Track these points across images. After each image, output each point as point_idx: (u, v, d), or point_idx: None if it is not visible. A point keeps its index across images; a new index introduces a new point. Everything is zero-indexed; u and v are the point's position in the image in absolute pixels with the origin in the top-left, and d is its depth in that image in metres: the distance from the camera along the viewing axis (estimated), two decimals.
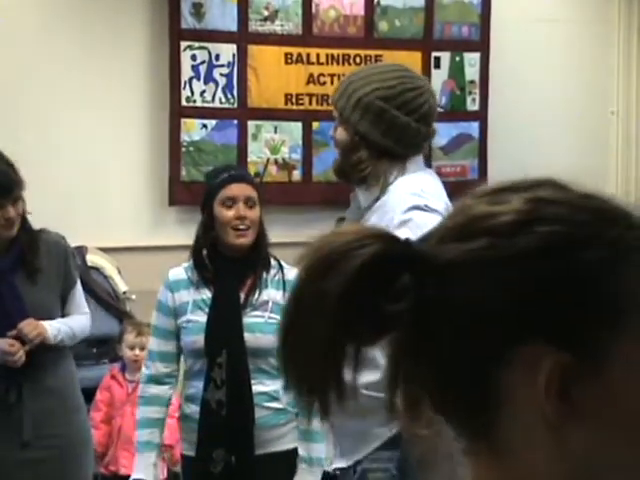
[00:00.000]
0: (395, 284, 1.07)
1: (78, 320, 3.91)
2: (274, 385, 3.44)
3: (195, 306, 3.46)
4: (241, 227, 3.43)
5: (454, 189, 2.95)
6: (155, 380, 3.55)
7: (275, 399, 3.46)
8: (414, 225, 2.76)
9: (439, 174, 3.09)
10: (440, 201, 2.88)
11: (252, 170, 6.20)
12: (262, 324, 3.41)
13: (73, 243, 6.12)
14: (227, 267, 3.47)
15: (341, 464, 2.99)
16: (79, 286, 4.14)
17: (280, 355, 1.08)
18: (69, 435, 3.84)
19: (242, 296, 3.44)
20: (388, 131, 2.94)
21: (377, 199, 2.94)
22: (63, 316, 3.88)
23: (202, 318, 3.43)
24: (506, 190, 1.16)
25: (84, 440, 3.98)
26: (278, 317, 3.41)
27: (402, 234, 2.87)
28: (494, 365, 1.06)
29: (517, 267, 1.07)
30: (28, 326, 3.65)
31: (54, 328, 3.76)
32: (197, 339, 3.42)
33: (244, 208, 3.43)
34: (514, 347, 1.05)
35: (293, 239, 5.17)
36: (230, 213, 3.43)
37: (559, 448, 1.07)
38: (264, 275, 3.47)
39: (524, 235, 1.08)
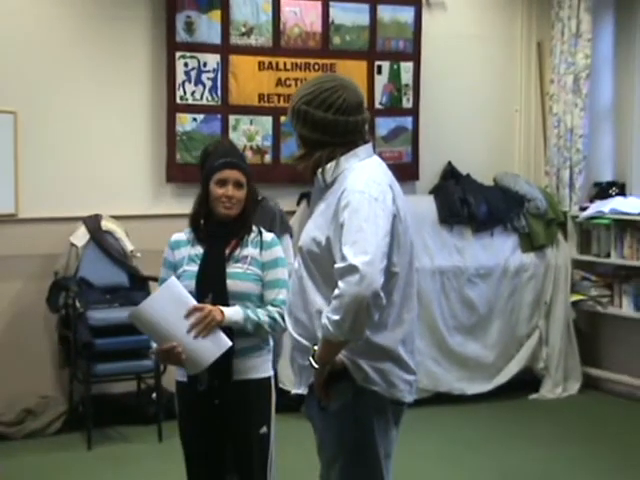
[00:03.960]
0: None
1: None
2: None
3: (190, 259, 3.51)
4: (227, 204, 3.47)
5: (393, 170, 3.04)
6: None
7: (251, 335, 3.47)
8: (352, 208, 2.80)
9: (381, 158, 3.09)
10: (381, 186, 2.90)
11: None
12: (242, 273, 3.46)
13: (90, 212, 6.20)
14: (217, 230, 3.51)
15: (300, 391, 3.03)
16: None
17: None
18: None
19: (227, 252, 3.48)
20: (313, 127, 2.97)
21: (332, 182, 2.97)
22: None
23: (195, 268, 3.48)
24: None
25: None
26: (254, 269, 3.46)
27: (345, 214, 2.91)
28: None
29: None
30: None
31: None
32: (190, 284, 3.46)
33: (232, 189, 3.47)
34: None
35: None
36: (221, 191, 3.47)
37: None
38: (246, 237, 3.52)
39: None
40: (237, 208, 3.49)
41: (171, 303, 3.35)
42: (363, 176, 2.88)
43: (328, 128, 2.94)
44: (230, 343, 3.36)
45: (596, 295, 7.01)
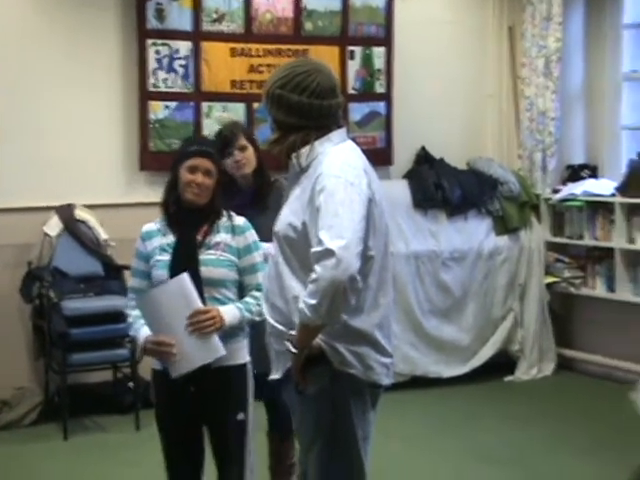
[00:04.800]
0: None
1: None
2: None
3: (162, 249, 3.50)
4: (196, 190, 3.46)
5: (367, 155, 3.04)
6: (137, 308, 3.56)
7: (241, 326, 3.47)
8: (328, 193, 2.80)
9: (355, 143, 3.09)
10: (356, 170, 2.90)
11: None
12: (215, 260, 3.45)
13: (64, 201, 6.16)
14: (187, 217, 3.50)
15: (277, 376, 3.03)
16: None
17: None
18: None
19: (199, 239, 3.47)
20: (288, 111, 2.97)
21: (307, 166, 2.97)
22: None
23: (167, 258, 3.47)
24: None
25: None
26: (228, 255, 3.46)
27: (321, 199, 2.92)
28: None
29: None
30: None
31: None
32: (162, 273, 3.45)
33: (202, 177, 3.46)
34: None
35: None
36: (191, 177, 3.46)
37: None
38: (216, 223, 3.51)
39: None
40: (205, 196, 3.48)
41: (179, 298, 3.36)
42: (338, 160, 2.89)
43: (303, 111, 2.94)
44: (224, 352, 3.37)
45: (569, 277, 7.05)
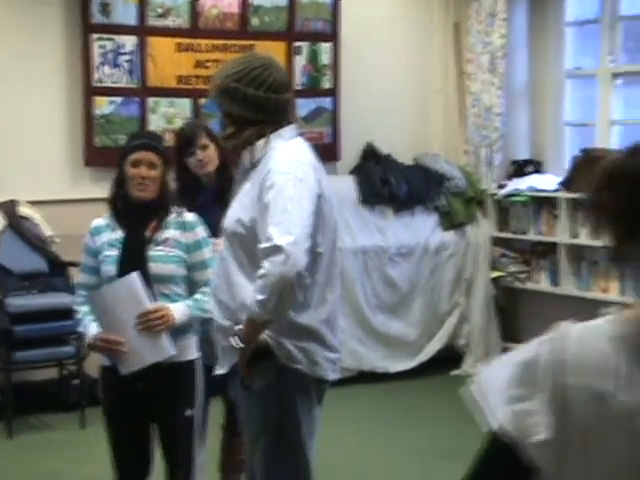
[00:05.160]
0: None
1: None
2: None
3: (110, 245, 3.48)
4: (141, 185, 3.44)
5: (313, 151, 3.05)
6: (86, 304, 3.54)
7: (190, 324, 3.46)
8: (277, 189, 2.80)
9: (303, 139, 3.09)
10: (305, 167, 2.90)
11: None
12: (163, 256, 3.44)
13: (7, 197, 6.08)
14: (135, 213, 3.49)
15: (223, 371, 3.03)
16: None
17: None
18: None
19: (148, 235, 3.46)
20: (245, 104, 2.95)
21: (257, 161, 2.96)
22: None
23: (115, 253, 3.45)
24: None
25: None
26: (177, 251, 3.44)
27: (270, 195, 2.91)
28: None
29: None
30: None
31: None
32: (110, 269, 3.44)
33: (146, 170, 3.44)
34: None
35: None
36: (134, 170, 3.45)
37: None
38: (166, 219, 3.49)
39: None
40: (151, 190, 3.46)
41: (129, 297, 3.37)
42: (288, 157, 2.89)
43: (259, 106, 2.94)
44: (174, 352, 3.36)
45: (515, 271, 7.12)
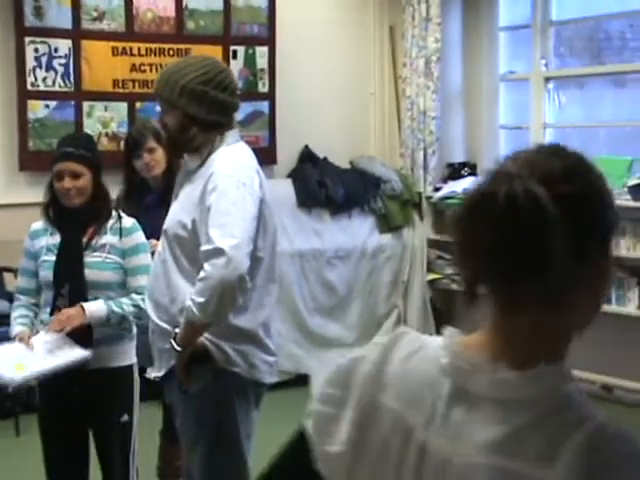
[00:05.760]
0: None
1: None
2: None
3: (48, 249, 3.45)
4: (67, 196, 3.41)
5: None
6: (24, 307, 3.51)
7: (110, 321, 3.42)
8: (220, 192, 2.81)
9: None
10: (249, 171, 2.92)
11: None
12: (100, 263, 3.41)
13: None
14: (71, 218, 3.46)
15: (159, 374, 3.03)
16: None
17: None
18: None
19: (85, 241, 3.43)
20: (211, 108, 2.96)
21: (201, 165, 2.96)
22: None
23: (53, 258, 3.42)
24: (560, 150, 1.30)
25: None
26: (114, 257, 3.42)
27: (212, 198, 2.92)
28: (593, 256, 1.25)
29: (601, 195, 1.27)
30: None
31: None
32: (47, 274, 3.41)
33: (69, 180, 3.39)
34: (602, 242, 1.26)
35: None
36: (58, 184, 3.41)
37: (593, 305, 1.29)
38: (104, 224, 3.46)
39: (596, 179, 1.28)
40: (80, 198, 3.42)
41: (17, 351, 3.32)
42: (232, 160, 2.91)
43: (223, 109, 2.96)
44: (86, 354, 3.32)
45: (451, 273, 7.19)
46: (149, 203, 4.11)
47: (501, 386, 1.23)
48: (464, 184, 7.06)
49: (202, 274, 2.72)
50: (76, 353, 3.31)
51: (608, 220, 1.28)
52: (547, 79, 6.99)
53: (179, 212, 2.95)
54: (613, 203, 1.29)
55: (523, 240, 1.21)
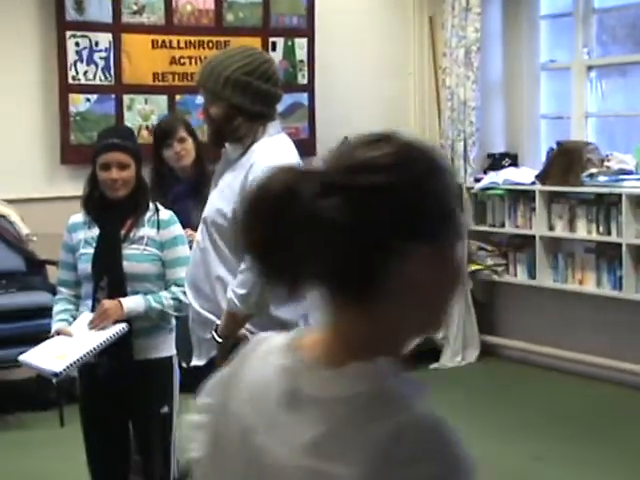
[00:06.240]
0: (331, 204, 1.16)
1: None
2: None
3: (86, 242, 3.47)
4: (113, 187, 3.42)
5: None
6: (65, 300, 3.54)
7: (150, 316, 3.44)
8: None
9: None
10: (291, 162, 2.93)
11: None
12: (138, 255, 3.43)
13: None
14: (110, 211, 3.47)
15: (200, 363, 3.03)
16: None
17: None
18: None
19: (123, 233, 3.45)
20: (255, 98, 2.97)
21: (243, 154, 2.97)
22: None
23: (91, 251, 3.44)
24: (376, 141, 1.24)
25: None
26: (152, 249, 3.43)
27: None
28: (389, 255, 1.17)
29: (405, 191, 1.18)
30: None
31: None
32: (86, 267, 3.43)
33: (116, 171, 3.41)
34: (402, 242, 1.18)
35: None
36: (105, 175, 3.42)
37: (414, 307, 1.22)
38: (141, 217, 3.48)
39: (405, 171, 1.19)
40: (125, 189, 3.44)
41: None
42: (273, 152, 2.91)
43: (267, 100, 2.97)
44: (123, 326, 3.34)
45: (492, 264, 7.15)
46: (178, 193, 4.12)
47: (321, 385, 1.22)
48: (505, 175, 7.02)
49: (243, 266, 2.72)
50: (114, 328, 3.34)
51: (431, 216, 1.20)
52: (589, 67, 6.92)
53: (219, 200, 2.95)
54: (448, 198, 1.22)
55: (284, 236, 1.18)
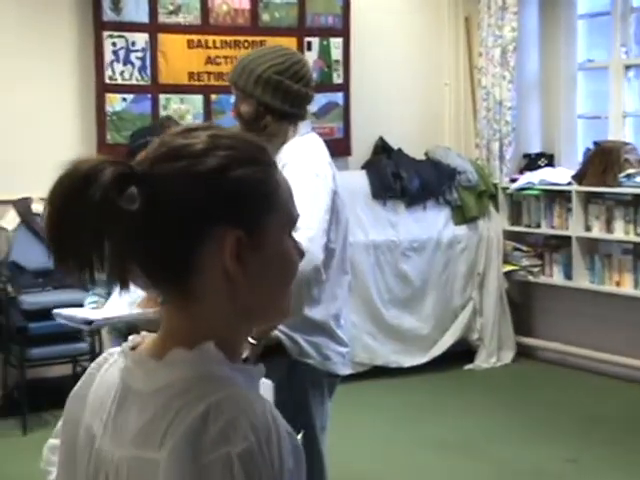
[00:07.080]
0: (126, 193, 1.19)
1: None
2: None
3: None
4: None
5: (325, 146, 3.05)
6: (96, 295, 3.60)
7: None
8: (294, 183, 2.80)
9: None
10: (322, 163, 2.92)
11: None
12: None
13: (20, 195, 6.11)
14: None
15: None
16: None
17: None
18: None
19: None
20: (286, 97, 2.97)
21: (274, 154, 2.98)
22: None
23: None
24: (192, 130, 1.27)
25: None
26: None
27: None
28: (195, 242, 1.21)
29: (207, 177, 1.22)
30: None
31: None
32: None
33: None
34: (209, 229, 1.21)
35: None
36: None
37: (234, 293, 1.23)
38: None
39: (210, 157, 1.22)
40: None
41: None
42: (305, 152, 2.91)
43: (297, 100, 2.97)
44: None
45: (527, 265, 7.11)
46: None
47: (146, 377, 1.25)
48: (541, 175, 6.98)
49: None
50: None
51: (236, 202, 1.24)
52: (627, 67, 6.86)
53: None
54: (258, 185, 1.27)
55: (72, 220, 1.21)
